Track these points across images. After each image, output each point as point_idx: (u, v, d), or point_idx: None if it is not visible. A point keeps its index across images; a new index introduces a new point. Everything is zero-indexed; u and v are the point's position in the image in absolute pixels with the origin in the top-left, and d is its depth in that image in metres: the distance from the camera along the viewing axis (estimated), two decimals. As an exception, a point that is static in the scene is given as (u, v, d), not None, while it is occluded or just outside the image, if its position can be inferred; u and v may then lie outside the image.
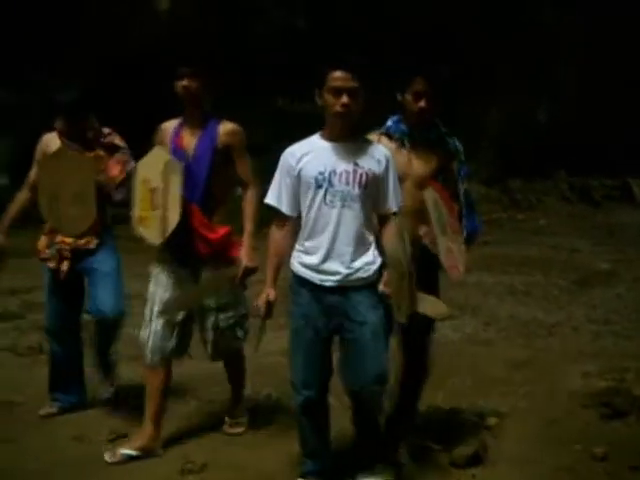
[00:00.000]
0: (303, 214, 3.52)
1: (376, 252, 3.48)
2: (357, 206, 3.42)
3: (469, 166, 4.01)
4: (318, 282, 3.45)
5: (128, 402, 4.56)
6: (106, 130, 4.42)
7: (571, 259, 9.27)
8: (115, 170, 4.30)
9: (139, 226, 3.89)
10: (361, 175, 3.43)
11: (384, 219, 3.53)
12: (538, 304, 7.30)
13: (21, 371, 5.39)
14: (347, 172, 3.43)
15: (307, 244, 3.49)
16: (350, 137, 3.49)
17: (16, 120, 11.47)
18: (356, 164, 3.44)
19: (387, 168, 3.50)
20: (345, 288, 3.43)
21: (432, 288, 3.72)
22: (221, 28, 12.68)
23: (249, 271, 3.92)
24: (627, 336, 6.19)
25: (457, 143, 3.87)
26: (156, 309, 3.93)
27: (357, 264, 3.43)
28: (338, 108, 3.38)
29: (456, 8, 12.87)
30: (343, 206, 3.41)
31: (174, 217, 3.77)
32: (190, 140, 3.93)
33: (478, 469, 3.79)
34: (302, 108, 12.76)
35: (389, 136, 3.76)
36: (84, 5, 12.02)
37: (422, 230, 3.65)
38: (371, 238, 3.48)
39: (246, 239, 3.97)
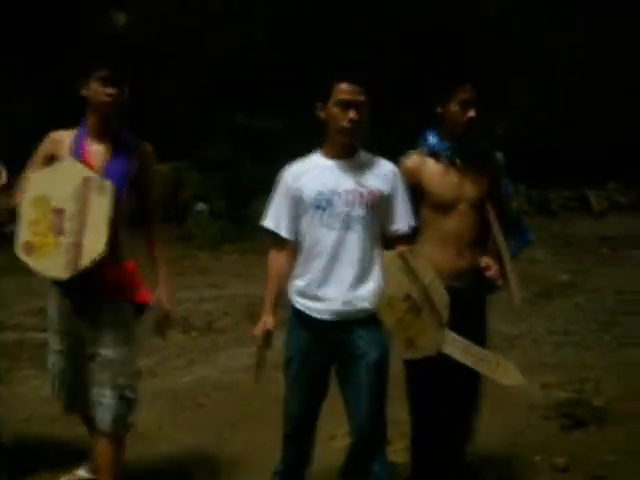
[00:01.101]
0: (302, 237, 3.26)
1: (382, 280, 3.16)
2: (360, 228, 3.15)
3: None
4: (316, 316, 3.20)
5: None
6: None
7: (530, 270, 9.32)
8: None
9: (29, 254, 3.14)
10: (365, 194, 3.16)
11: (392, 242, 3.24)
12: (500, 316, 7.32)
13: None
14: (349, 192, 3.16)
15: (303, 269, 3.24)
16: (353, 153, 3.23)
17: None
18: (359, 183, 3.17)
19: (395, 185, 3.24)
20: (342, 322, 3.16)
21: (479, 330, 3.43)
22: (180, 41, 12.62)
23: (169, 318, 3.49)
24: (586, 346, 6.27)
25: (502, 157, 3.54)
26: (57, 366, 3.39)
27: (359, 292, 3.14)
28: (345, 123, 3.11)
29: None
30: (344, 228, 3.15)
31: (96, 247, 3.10)
32: (99, 156, 3.28)
33: None
34: (261, 123, 12.75)
35: (435, 155, 3.39)
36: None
37: (483, 261, 3.32)
38: (377, 264, 3.18)
39: (166, 281, 3.46)
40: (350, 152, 3.22)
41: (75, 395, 3.41)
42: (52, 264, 3.14)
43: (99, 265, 3.13)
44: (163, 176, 11.73)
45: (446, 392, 3.42)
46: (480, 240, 3.39)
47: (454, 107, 3.30)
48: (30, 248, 3.15)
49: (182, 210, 11.89)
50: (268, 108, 12.38)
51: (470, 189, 3.37)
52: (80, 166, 3.21)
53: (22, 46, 11.30)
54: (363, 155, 3.26)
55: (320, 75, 3.27)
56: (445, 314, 3.05)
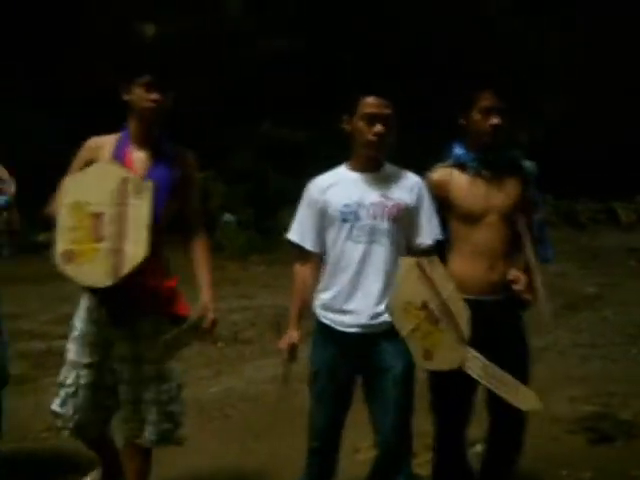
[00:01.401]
0: (327, 250, 3.25)
1: (397, 285, 3.11)
2: (386, 241, 3.15)
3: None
4: (340, 329, 3.20)
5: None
6: None
7: (557, 283, 9.29)
8: None
9: (69, 263, 2.96)
10: (391, 207, 3.15)
11: (417, 255, 3.17)
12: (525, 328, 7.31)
13: (4, 400, 5.30)
14: (375, 204, 3.16)
15: (330, 282, 3.23)
16: (379, 167, 3.23)
17: None
18: (385, 196, 3.17)
19: (420, 197, 3.23)
20: (369, 335, 3.15)
21: (514, 345, 3.37)
22: (205, 53, 12.73)
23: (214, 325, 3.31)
24: (613, 359, 6.23)
25: (533, 166, 3.42)
26: (82, 381, 3.24)
27: (384, 306, 3.12)
28: (371, 137, 3.11)
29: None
30: (370, 241, 3.15)
31: (138, 251, 2.95)
32: (140, 164, 3.19)
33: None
34: (287, 135, 12.81)
35: (461, 167, 3.33)
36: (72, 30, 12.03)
37: (511, 274, 3.23)
38: None
39: (208, 290, 3.30)
40: (376, 165, 3.22)
41: (91, 415, 3.27)
42: (92, 272, 2.97)
43: (139, 273, 3.00)
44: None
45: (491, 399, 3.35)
46: (512, 252, 3.32)
47: (476, 115, 3.25)
48: (69, 256, 2.97)
49: (210, 220, 11.98)
50: (294, 120, 12.44)
51: (498, 200, 3.30)
52: (117, 167, 3.11)
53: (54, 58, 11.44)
54: (389, 168, 3.26)
55: (346, 88, 3.30)
56: (466, 330, 3.03)
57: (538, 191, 3.46)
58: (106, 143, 3.23)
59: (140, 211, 2.98)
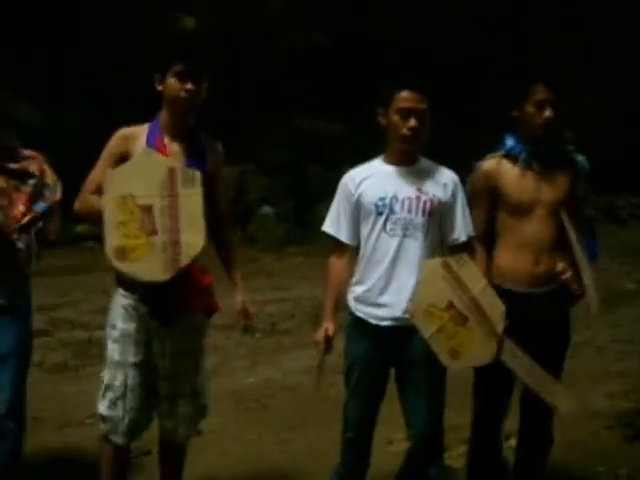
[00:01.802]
0: (362, 243, 3.26)
1: (419, 288, 3.11)
2: (420, 235, 3.16)
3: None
4: (374, 323, 3.21)
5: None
6: (27, 153, 3.29)
7: (597, 278, 9.21)
8: (20, 207, 3.18)
9: (124, 260, 2.85)
10: (425, 202, 3.16)
11: (452, 250, 3.23)
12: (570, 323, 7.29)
13: (47, 387, 5.40)
14: (410, 198, 3.16)
15: (364, 274, 3.24)
16: (414, 161, 3.24)
17: None
18: (420, 190, 3.17)
19: (454, 194, 3.23)
20: (403, 328, 3.13)
21: (558, 338, 3.38)
22: (245, 45, 12.80)
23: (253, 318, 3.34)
24: (652, 356, 6.17)
25: (585, 161, 3.39)
26: (130, 381, 3.13)
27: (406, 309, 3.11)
28: (405, 131, 3.12)
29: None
30: (405, 235, 3.15)
31: (197, 241, 2.86)
32: (177, 155, 3.11)
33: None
34: (325, 127, 12.83)
35: (512, 158, 3.31)
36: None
37: (559, 266, 3.24)
38: None
39: (242, 288, 3.31)
40: (411, 159, 3.23)
41: (140, 415, 3.18)
42: (149, 266, 2.86)
43: (193, 268, 2.98)
44: (230, 179, 11.95)
45: (524, 394, 3.39)
46: (558, 246, 3.30)
47: (529, 108, 3.23)
48: (123, 253, 2.84)
49: (246, 213, 12.05)
50: (332, 112, 12.46)
51: (548, 193, 3.28)
52: (161, 157, 3.00)
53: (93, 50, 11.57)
54: (424, 162, 3.27)
55: (380, 82, 3.29)
56: (499, 324, 3.02)
57: (589, 186, 3.42)
58: (139, 134, 3.13)
59: (192, 201, 2.88)
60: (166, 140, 3.11)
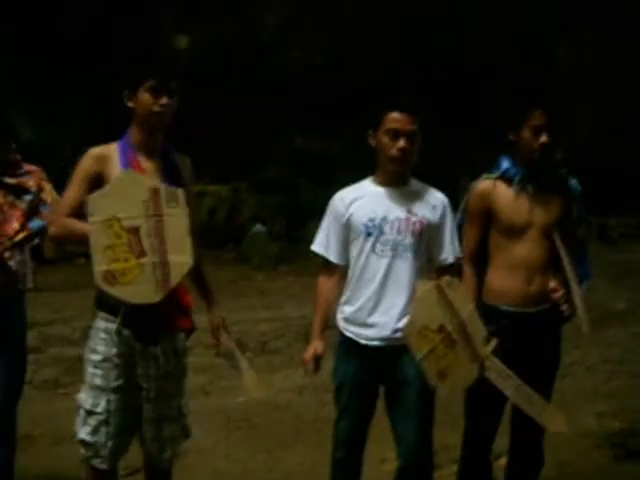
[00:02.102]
0: (351, 263, 3.28)
1: (413, 310, 3.11)
2: (410, 256, 3.19)
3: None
4: (364, 342, 3.22)
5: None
6: (28, 168, 3.21)
7: (587, 297, 9.25)
8: (14, 223, 3.10)
9: (114, 285, 2.81)
10: (414, 223, 3.19)
11: (439, 271, 3.27)
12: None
13: (39, 404, 5.39)
14: (399, 220, 3.19)
15: (353, 295, 3.26)
16: (404, 182, 3.26)
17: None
18: (409, 211, 3.20)
19: (443, 215, 3.26)
20: (392, 347, 3.16)
21: (550, 357, 3.43)
22: (238, 65, 12.87)
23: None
24: (642, 376, 6.19)
25: (577, 185, 3.44)
26: (113, 406, 3.05)
27: (406, 319, 3.12)
28: (394, 152, 3.14)
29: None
30: (394, 256, 3.18)
31: (185, 260, 2.85)
32: (152, 173, 3.03)
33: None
34: (319, 146, 12.90)
35: (507, 180, 3.35)
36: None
37: (551, 285, 3.29)
38: None
39: (216, 302, 3.33)
40: (401, 180, 3.25)
41: (122, 440, 3.12)
42: (140, 289, 2.83)
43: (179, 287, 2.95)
44: (223, 197, 11.98)
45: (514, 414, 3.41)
46: (551, 267, 3.35)
47: (526, 133, 3.27)
48: (112, 277, 2.80)
49: (238, 231, 12.06)
50: (325, 131, 12.54)
51: (541, 215, 3.33)
52: (142, 177, 2.93)
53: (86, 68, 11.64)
54: (414, 184, 3.29)
55: (371, 103, 3.31)
56: (482, 348, 3.03)
57: (583, 209, 3.47)
58: (110, 153, 3.03)
59: (178, 220, 2.85)
60: (139, 158, 3.04)
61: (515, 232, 3.32)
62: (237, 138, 12.12)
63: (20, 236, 3.07)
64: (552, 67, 13.26)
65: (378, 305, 3.20)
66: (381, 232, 3.18)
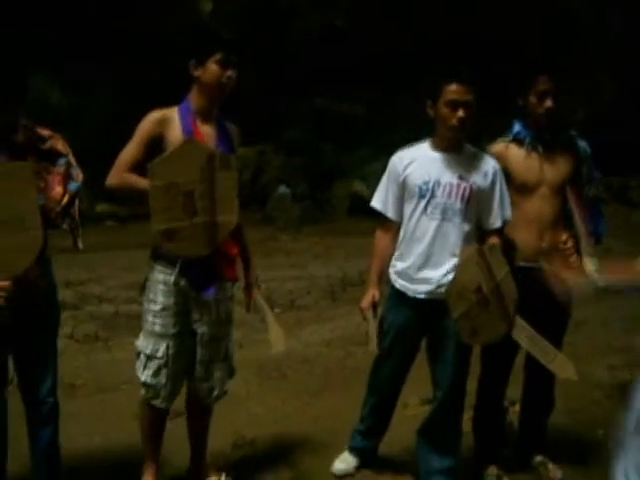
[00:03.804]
0: (404, 221, 3.51)
1: (456, 271, 3.34)
2: (457, 220, 3.40)
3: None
4: (412, 294, 3.48)
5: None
6: (45, 132, 3.18)
7: (604, 258, 9.37)
8: (57, 188, 3.15)
9: (171, 241, 3.12)
10: (464, 189, 3.39)
11: (487, 234, 3.50)
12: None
13: (80, 356, 5.72)
14: (451, 185, 3.39)
15: (404, 252, 3.50)
16: (459, 148, 3.45)
17: None
18: (461, 177, 3.39)
19: (494, 182, 3.44)
20: (436, 302, 3.37)
21: (560, 309, 3.61)
22: (261, 29, 12.96)
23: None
24: (656, 331, 6.36)
25: (586, 146, 3.70)
26: (171, 351, 3.36)
27: (451, 276, 3.34)
28: (454, 122, 3.31)
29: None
30: (443, 219, 3.39)
31: (230, 220, 3.18)
32: (209, 138, 3.32)
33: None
34: (342, 109, 13.02)
35: (519, 142, 3.62)
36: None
37: (564, 237, 3.51)
38: None
39: (250, 259, 3.61)
40: (457, 146, 3.44)
41: (179, 382, 3.43)
42: (192, 245, 3.14)
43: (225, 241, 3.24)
44: (247, 159, 12.18)
45: (528, 363, 3.72)
46: (562, 223, 3.60)
47: (532, 99, 3.51)
48: (170, 234, 3.09)
49: (263, 193, 12.26)
50: (348, 94, 12.64)
51: (551, 174, 3.58)
52: (202, 145, 3.19)
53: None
54: (468, 150, 3.48)
55: (429, 74, 3.49)
56: (512, 309, 3.29)
57: (595, 168, 3.71)
58: (171, 117, 3.26)
59: (228, 183, 3.15)
60: (198, 123, 3.29)
61: (527, 189, 3.58)
62: (261, 101, 12.27)
63: (65, 199, 3.15)
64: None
65: (426, 263, 3.44)
66: (433, 195, 3.40)
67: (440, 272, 3.41)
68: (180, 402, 3.59)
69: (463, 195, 3.39)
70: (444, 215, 3.40)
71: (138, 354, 3.42)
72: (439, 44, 11.53)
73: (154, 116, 3.26)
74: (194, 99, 3.31)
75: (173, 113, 3.28)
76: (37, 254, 2.94)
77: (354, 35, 13.00)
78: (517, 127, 3.63)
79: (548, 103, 3.48)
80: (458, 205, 3.39)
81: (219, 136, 3.35)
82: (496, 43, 12.37)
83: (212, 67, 3.24)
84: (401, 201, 3.51)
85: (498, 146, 3.64)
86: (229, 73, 3.24)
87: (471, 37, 12.23)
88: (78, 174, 3.21)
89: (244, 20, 12.86)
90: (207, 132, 3.31)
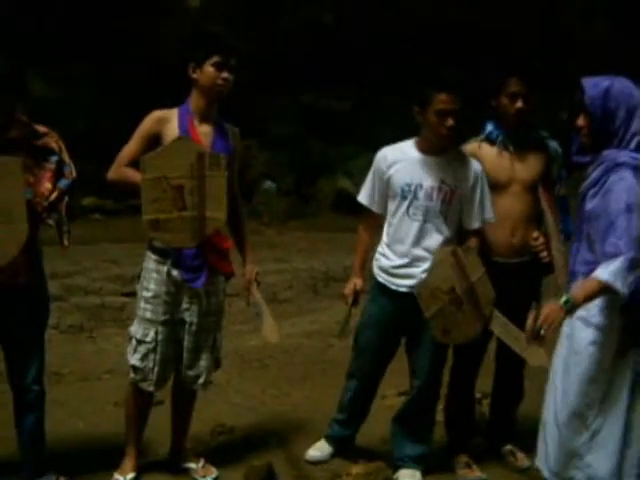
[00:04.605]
0: (388, 216, 3.61)
1: (429, 271, 3.44)
2: (439, 222, 3.50)
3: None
4: (394, 288, 3.58)
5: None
6: (42, 129, 3.28)
7: (565, 251, 9.48)
8: (46, 184, 3.24)
9: (157, 231, 3.27)
10: (446, 192, 3.47)
11: (465, 234, 3.59)
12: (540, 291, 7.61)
13: (66, 346, 5.81)
14: (432, 188, 3.46)
15: (387, 250, 3.60)
16: (443, 151, 3.51)
17: None
18: (442, 181, 3.46)
19: (475, 185, 3.52)
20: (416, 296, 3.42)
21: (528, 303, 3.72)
22: (248, 24, 13.00)
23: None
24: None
25: (557, 146, 3.79)
26: (160, 337, 3.50)
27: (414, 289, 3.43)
28: (443, 131, 3.38)
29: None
30: (425, 221, 3.48)
31: (220, 216, 3.31)
32: (205, 138, 3.46)
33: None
34: (328, 104, 13.10)
35: (490, 141, 3.71)
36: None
37: (535, 234, 3.64)
38: None
39: (252, 261, 3.73)
40: (441, 150, 3.52)
41: (166, 367, 3.55)
42: (179, 236, 3.28)
43: (210, 236, 3.37)
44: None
45: (498, 354, 3.87)
46: (533, 221, 3.71)
47: (504, 100, 3.62)
48: (156, 224, 3.23)
49: (249, 187, 12.33)
50: (335, 89, 12.71)
51: (522, 172, 3.67)
52: (193, 143, 3.32)
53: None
54: (452, 153, 3.56)
55: (417, 82, 3.57)
56: (487, 309, 3.41)
57: (564, 169, 3.82)
58: (171, 117, 3.43)
59: (217, 181, 3.27)
60: (195, 123, 3.44)
61: (499, 187, 3.69)
62: (247, 96, 12.31)
63: (54, 195, 3.24)
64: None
65: (409, 263, 3.54)
66: (415, 197, 3.49)
67: (422, 269, 3.50)
68: (160, 391, 3.70)
69: (444, 198, 3.48)
70: (426, 217, 3.49)
71: (130, 339, 3.57)
72: (426, 41, 11.63)
73: (155, 115, 3.44)
74: (193, 100, 3.47)
75: (173, 113, 3.45)
76: (21, 247, 3.04)
77: (340, 31, 13.07)
78: (489, 127, 3.74)
79: (519, 104, 3.58)
80: (439, 207, 3.49)
81: (216, 136, 3.48)
82: (484, 36, 12.47)
83: (209, 70, 3.38)
84: (385, 196, 3.61)
85: (471, 145, 3.76)
86: (225, 75, 3.38)
87: (457, 34, 12.33)
88: (70, 172, 3.31)
89: (231, 16, 12.91)
90: (204, 132, 3.45)
